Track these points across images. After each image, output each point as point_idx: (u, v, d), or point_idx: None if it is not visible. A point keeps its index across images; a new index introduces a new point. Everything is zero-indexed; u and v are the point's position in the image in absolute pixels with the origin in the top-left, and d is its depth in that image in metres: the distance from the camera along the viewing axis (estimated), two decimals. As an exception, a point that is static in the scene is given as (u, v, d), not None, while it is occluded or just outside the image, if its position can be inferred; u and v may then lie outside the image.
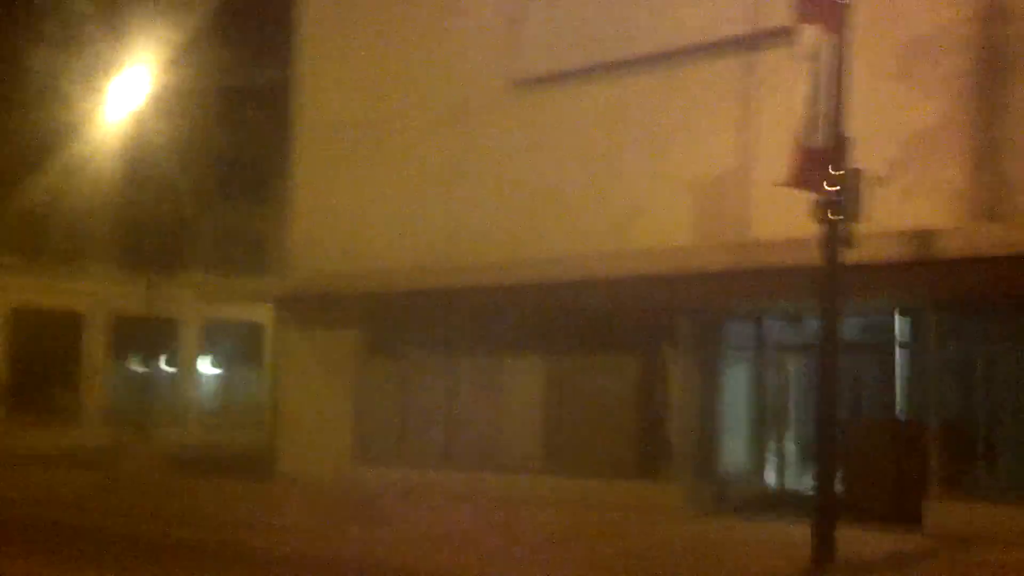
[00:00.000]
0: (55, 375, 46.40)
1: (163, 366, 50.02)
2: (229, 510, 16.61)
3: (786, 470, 18.56)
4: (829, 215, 12.09)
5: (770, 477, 18.47)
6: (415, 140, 20.40)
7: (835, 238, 12.04)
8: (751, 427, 18.38)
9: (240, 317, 50.64)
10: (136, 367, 49.35)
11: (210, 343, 50.54)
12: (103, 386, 47.45)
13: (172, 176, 43.49)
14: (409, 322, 20.28)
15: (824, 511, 11.77)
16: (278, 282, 21.74)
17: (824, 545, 11.68)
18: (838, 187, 12.09)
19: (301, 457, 20.81)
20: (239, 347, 51.62)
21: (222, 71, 47.74)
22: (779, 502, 17.39)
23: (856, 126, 12.46)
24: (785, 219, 14.87)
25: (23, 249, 43.25)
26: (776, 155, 15.50)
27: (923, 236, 13.94)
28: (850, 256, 12.19)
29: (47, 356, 45.60)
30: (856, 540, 12.65)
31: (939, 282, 14.35)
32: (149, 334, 47.97)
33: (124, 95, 37.91)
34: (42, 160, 44.65)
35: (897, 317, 16.73)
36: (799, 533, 12.12)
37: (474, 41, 19.55)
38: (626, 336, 18.09)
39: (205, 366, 50.93)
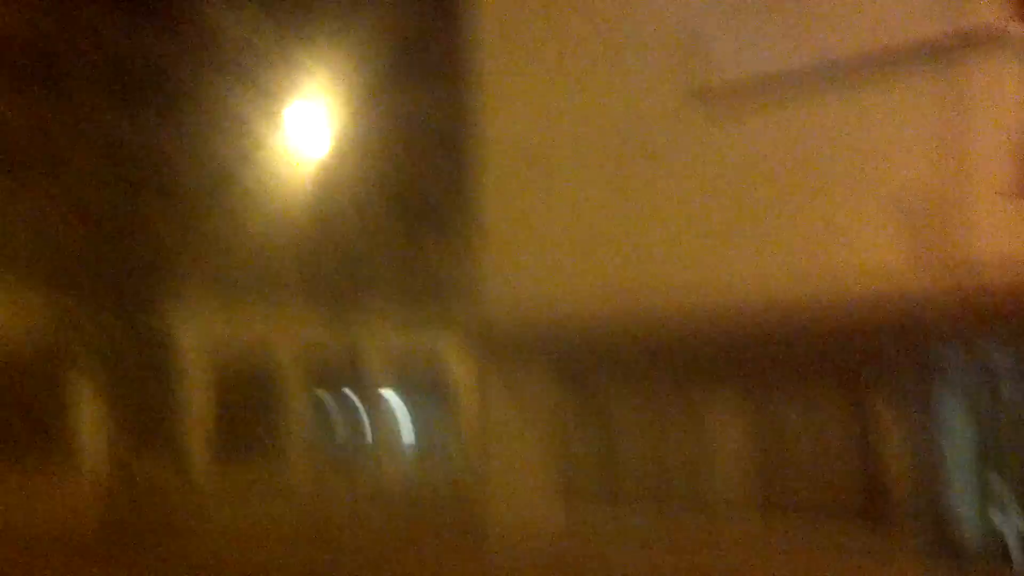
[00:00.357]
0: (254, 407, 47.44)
1: (350, 397, 50.71)
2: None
3: (1011, 509, 16.92)
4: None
5: (996, 517, 16.86)
6: (597, 168, 19.65)
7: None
8: (973, 463, 16.82)
9: (423, 348, 50.89)
10: (323, 398, 50.10)
11: (395, 375, 50.90)
12: (299, 419, 48.23)
13: (355, 212, 43.99)
14: (607, 356, 19.60)
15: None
16: (469, 318, 21.49)
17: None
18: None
19: (508, 497, 20.32)
20: (423, 380, 51.82)
21: (398, 108, 48.27)
22: (1005, 544, 15.83)
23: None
24: (1004, 235, 13.59)
25: (213, 282, 44.35)
26: (990, 165, 14.21)
27: None
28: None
29: (242, 388, 46.67)
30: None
31: None
32: (335, 366, 48.69)
33: (304, 133, 38.60)
34: (227, 192, 45.78)
35: None
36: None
37: (654, 59, 18.68)
38: (832, 366, 16.90)
39: (392, 397, 51.36)
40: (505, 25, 21.16)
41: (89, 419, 42.37)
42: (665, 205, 18.62)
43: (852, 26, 16.39)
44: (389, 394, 51.27)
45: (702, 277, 17.59)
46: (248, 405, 47.24)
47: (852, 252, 16.10)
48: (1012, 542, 15.69)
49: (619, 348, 19.18)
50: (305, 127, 37.64)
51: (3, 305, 37.71)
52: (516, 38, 21.01)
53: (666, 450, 18.76)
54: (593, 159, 19.62)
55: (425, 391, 52.19)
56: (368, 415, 48.94)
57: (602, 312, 18.48)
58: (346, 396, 40.33)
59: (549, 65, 20.30)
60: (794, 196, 17.07)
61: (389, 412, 51.61)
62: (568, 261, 19.72)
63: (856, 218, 16.31)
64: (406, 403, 52.33)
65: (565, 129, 20.01)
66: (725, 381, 18.28)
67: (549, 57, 20.31)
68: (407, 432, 51.26)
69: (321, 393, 49.85)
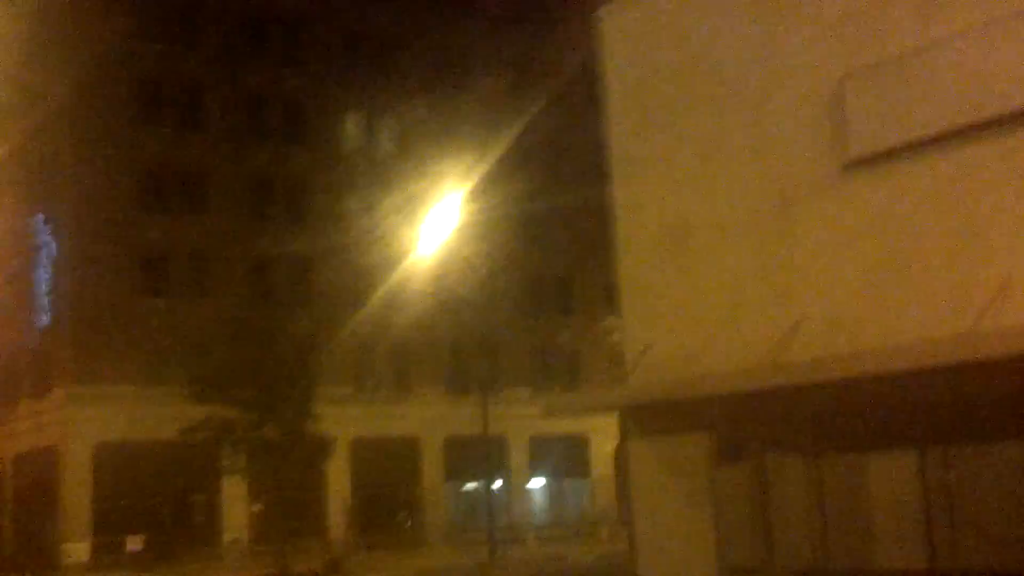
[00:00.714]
0: (396, 499, 48.13)
1: (491, 483, 50.90)
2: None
3: None
4: None
5: None
6: (735, 235, 19.64)
7: None
8: None
9: (563, 430, 51.11)
10: (469, 486, 50.51)
11: (536, 457, 51.15)
12: (441, 506, 48.76)
13: (487, 298, 44.65)
14: (761, 422, 19.29)
15: None
16: (620, 392, 21.26)
17: None
18: None
19: (661, 570, 20.03)
20: (564, 460, 51.97)
21: (525, 194, 49.19)
22: None
23: None
24: None
25: (356, 380, 45.51)
26: None
27: None
28: None
29: (388, 481, 47.41)
30: None
31: None
32: (478, 453, 49.09)
33: (436, 226, 39.56)
34: (365, 294, 47.15)
35: None
36: None
37: (796, 125, 18.71)
38: (1010, 422, 16.46)
39: (533, 480, 51.48)
40: (642, 100, 21.46)
41: (242, 516, 43.63)
42: (811, 273, 18.50)
43: (1004, 81, 16.24)
44: (530, 475, 51.49)
45: (856, 335, 17.36)
46: (392, 496, 48.09)
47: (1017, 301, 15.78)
48: None
49: (774, 413, 18.94)
50: (441, 230, 38.67)
51: (167, 419, 39.43)
52: (653, 111, 21.27)
53: (826, 518, 18.29)
54: (735, 229, 19.65)
55: (561, 470, 52.28)
56: (511, 497, 49.19)
57: (754, 381, 18.31)
58: (488, 484, 40.36)
59: (687, 136, 20.51)
60: (949, 255, 16.82)
61: (531, 492, 51.76)
62: (712, 332, 19.66)
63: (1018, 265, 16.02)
64: (551, 486, 52.44)
65: (706, 200, 20.13)
66: (890, 443, 17.87)
67: (686, 130, 20.53)
68: (547, 510, 51.29)
69: (463, 482, 50.40)
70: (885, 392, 17.39)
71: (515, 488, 49.70)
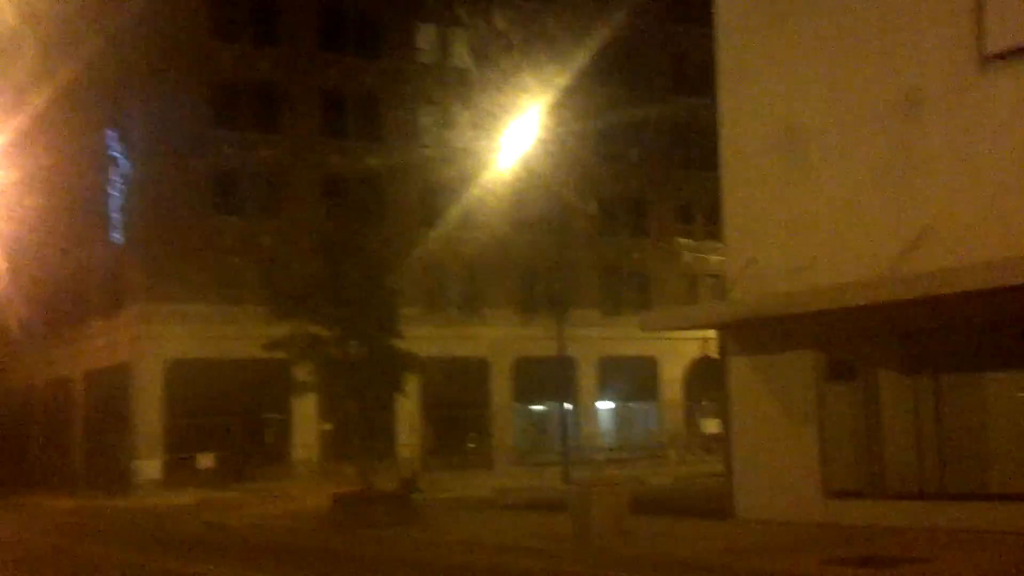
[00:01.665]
0: (465, 420, 47.59)
1: (564, 405, 50.15)
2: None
3: None
4: None
5: None
6: (856, 140, 18.32)
7: None
8: None
9: (632, 353, 50.14)
10: (537, 407, 49.85)
11: (604, 379, 50.29)
12: (509, 428, 48.17)
13: (560, 217, 43.43)
14: (873, 339, 18.13)
15: None
16: (722, 307, 20.13)
17: None
18: None
19: (761, 493, 19.06)
20: (632, 383, 51.07)
21: (603, 110, 47.77)
22: None
23: None
24: None
25: (427, 300, 44.71)
26: None
27: None
28: None
29: (457, 402, 46.84)
30: None
31: None
32: (548, 375, 48.28)
33: (512, 143, 38.32)
34: (438, 212, 46.22)
35: None
36: None
37: (928, 18, 17.23)
38: None
39: (601, 403, 50.69)
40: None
41: (312, 435, 43.40)
42: (937, 177, 17.17)
43: None
44: (599, 397, 50.74)
45: (982, 252, 16.05)
46: (461, 417, 47.60)
47: None
48: None
49: (888, 329, 17.76)
50: (517, 146, 37.43)
51: (239, 337, 39.03)
52: (766, 12, 19.84)
53: (940, 440, 17.12)
54: (851, 134, 18.33)
55: (631, 392, 51.45)
56: (580, 419, 48.47)
57: (866, 296, 17.09)
58: (561, 406, 39.51)
59: (804, 35, 19.09)
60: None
61: (599, 414, 51.03)
62: (823, 245, 18.44)
63: None
64: (619, 409, 51.64)
65: (824, 103, 18.77)
66: (1008, 360, 16.61)
67: (804, 26, 19.10)
68: (619, 436, 50.57)
69: (532, 404, 49.77)
70: (1008, 307, 16.17)
71: (583, 410, 48.89)
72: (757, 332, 19.28)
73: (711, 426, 49.49)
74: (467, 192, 44.55)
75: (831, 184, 18.65)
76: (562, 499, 25.49)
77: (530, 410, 49.62)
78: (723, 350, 20.33)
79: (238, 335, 40.60)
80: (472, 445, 47.40)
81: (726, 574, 13.92)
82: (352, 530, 21.07)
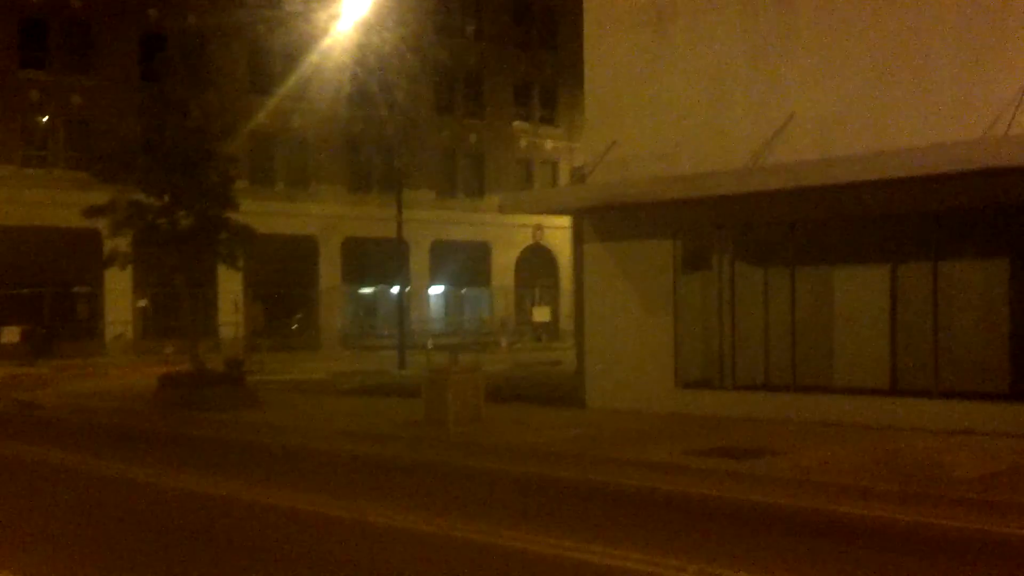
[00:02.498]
0: (292, 301, 46.41)
1: (398, 288, 49.49)
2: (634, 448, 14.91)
3: None
4: None
5: None
6: (726, 21, 17.96)
7: None
8: None
9: (465, 238, 49.77)
10: (366, 290, 49.10)
11: (436, 264, 49.82)
12: (337, 310, 47.29)
13: (393, 93, 42.17)
14: (729, 229, 18.10)
15: None
16: (581, 191, 19.70)
17: None
18: None
19: (613, 383, 19.02)
20: (464, 268, 50.80)
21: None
22: None
23: None
24: None
25: (251, 173, 42.88)
26: None
27: None
28: None
29: (284, 282, 45.53)
30: None
31: None
32: (379, 257, 47.43)
33: (345, 12, 36.66)
34: (269, 80, 44.15)
35: None
36: None
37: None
38: (999, 235, 15.58)
39: (434, 287, 50.29)
40: None
41: (126, 311, 41.64)
42: (806, 65, 17.03)
43: None
44: (433, 286, 50.33)
45: (849, 145, 16.09)
46: (287, 297, 46.43)
47: None
48: None
49: (747, 222, 17.78)
50: (350, 16, 35.75)
51: (52, 204, 36.68)
52: None
53: (798, 330, 17.35)
54: (721, 14, 17.95)
55: (463, 277, 51.26)
56: (410, 306, 47.96)
57: (729, 185, 16.98)
58: (400, 288, 38.88)
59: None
60: (971, 52, 15.51)
61: (430, 303, 50.65)
62: (686, 132, 18.20)
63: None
64: (450, 294, 51.39)
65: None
66: (864, 256, 16.87)
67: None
68: (450, 322, 50.44)
69: (361, 286, 48.96)
70: (870, 201, 16.33)
71: (414, 295, 48.41)
72: (616, 219, 19.00)
73: (542, 314, 49.92)
74: (300, 61, 42.66)
75: (698, 65, 18.27)
76: (403, 384, 25.16)
77: (359, 293, 48.89)
78: (578, 236, 20.03)
79: (46, 201, 38.25)
80: (295, 327, 46.40)
81: (588, 463, 13.74)
82: (182, 412, 20.11)
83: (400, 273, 35.81)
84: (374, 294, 49.31)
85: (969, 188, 15.26)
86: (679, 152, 18.17)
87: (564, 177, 51.10)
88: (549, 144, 52.58)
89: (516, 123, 52.03)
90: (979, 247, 15.99)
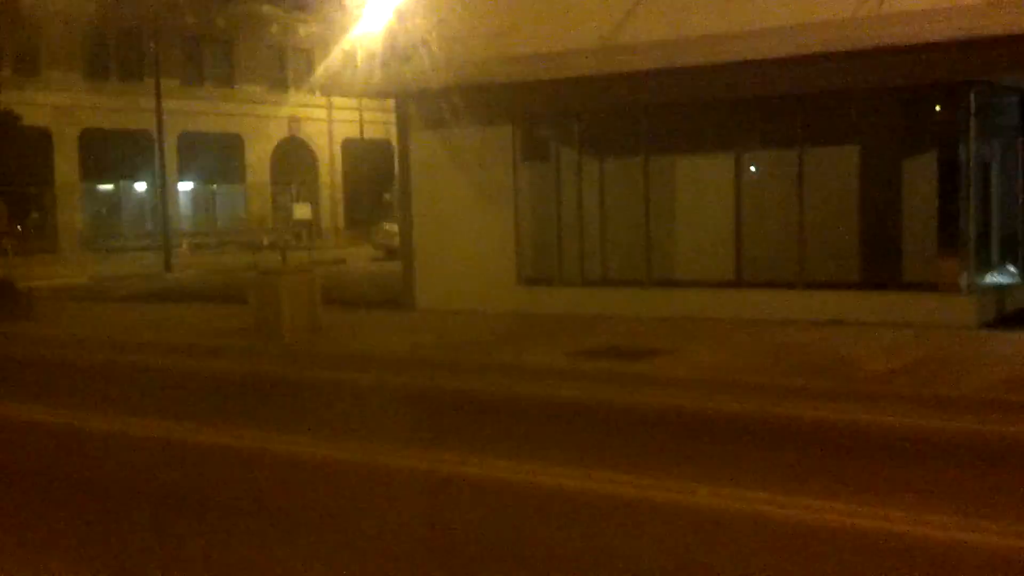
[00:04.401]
0: (25, 199, 42.02)
1: (138, 186, 45.82)
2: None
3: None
4: None
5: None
6: None
7: None
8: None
9: (216, 129, 46.41)
10: (106, 186, 45.14)
11: (185, 158, 46.31)
12: (76, 210, 43.25)
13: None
14: (574, 116, 17.01)
15: None
16: (407, 73, 17.89)
17: None
18: None
19: (445, 282, 17.70)
20: (216, 163, 47.50)
21: None
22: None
23: None
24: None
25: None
26: None
27: None
28: None
29: (15, 179, 41.07)
30: None
31: None
32: (121, 150, 43.63)
33: None
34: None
35: None
36: None
37: None
38: (848, 123, 15.25)
39: (183, 183, 46.79)
40: None
41: None
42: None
43: None
44: (182, 182, 46.76)
45: (698, 26, 15.28)
46: (18, 196, 42.01)
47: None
48: None
49: (591, 107, 16.76)
50: None
51: None
52: None
53: (644, 221, 16.58)
54: None
55: (223, 177, 48.08)
56: (157, 200, 44.45)
57: (572, 67, 15.89)
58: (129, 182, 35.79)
59: None
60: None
61: (180, 201, 47.12)
62: (521, 13, 16.86)
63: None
64: (200, 191, 47.94)
65: None
66: (715, 144, 16.25)
67: None
68: (201, 220, 47.26)
69: (101, 182, 44.87)
70: (722, 86, 15.61)
71: (161, 191, 44.85)
72: (446, 104, 17.47)
73: (302, 211, 47.61)
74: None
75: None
76: (187, 288, 22.91)
77: (98, 190, 44.91)
78: (403, 124, 18.38)
79: None
80: (18, 227, 42.05)
81: (463, 370, 12.48)
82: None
83: (147, 167, 32.86)
84: (115, 191, 45.50)
85: (831, 71, 14.74)
86: (514, 31, 16.79)
87: (319, 67, 48.55)
88: (302, 31, 49.63)
89: (266, 8, 48.71)
90: (839, 133, 15.62)
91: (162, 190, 33.63)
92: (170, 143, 45.05)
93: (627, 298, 16.34)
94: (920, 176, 14.80)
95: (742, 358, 12.26)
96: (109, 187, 45.09)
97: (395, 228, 40.25)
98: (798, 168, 15.37)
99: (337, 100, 49.43)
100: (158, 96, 30.25)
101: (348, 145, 50.30)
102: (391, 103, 20.42)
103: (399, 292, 18.48)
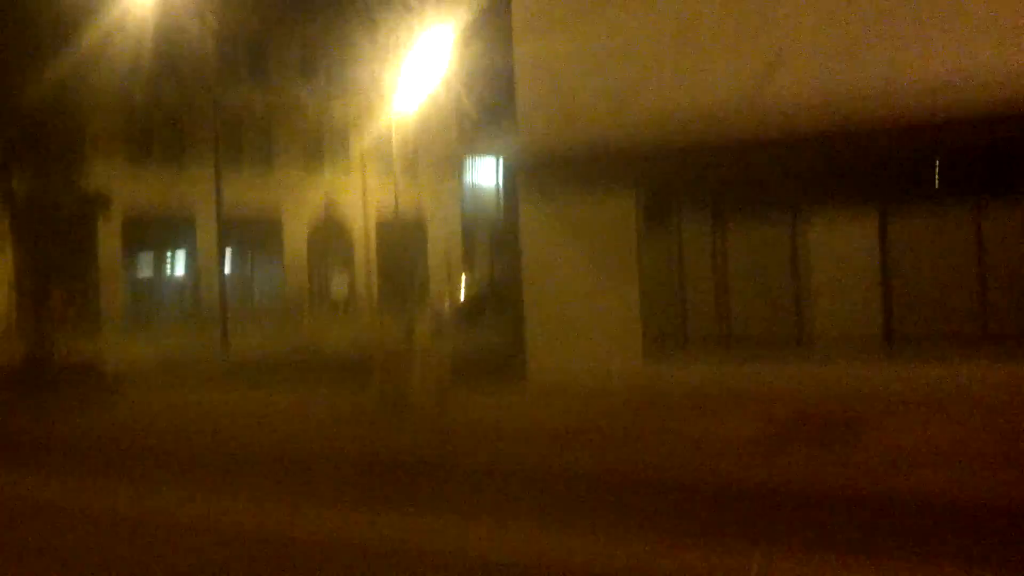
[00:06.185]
0: (68, 281, 40.61)
1: (178, 268, 44.58)
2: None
3: None
4: None
5: None
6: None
7: None
8: None
9: (254, 212, 45.11)
10: (150, 271, 43.84)
11: (225, 239, 44.95)
12: (119, 290, 41.85)
13: (178, 58, 37.59)
14: (701, 182, 15.71)
15: None
16: (516, 141, 16.64)
17: None
18: None
19: (566, 355, 16.20)
20: (254, 243, 46.18)
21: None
22: None
23: None
24: None
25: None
26: None
27: None
28: None
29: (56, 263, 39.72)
30: None
31: None
32: (160, 233, 42.47)
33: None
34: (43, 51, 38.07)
35: None
36: None
37: None
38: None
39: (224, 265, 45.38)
40: None
41: None
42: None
43: None
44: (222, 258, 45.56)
45: (834, 86, 14.12)
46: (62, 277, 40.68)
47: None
48: None
49: (719, 173, 15.49)
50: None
51: None
52: None
53: (760, 283, 15.22)
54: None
55: (262, 257, 46.87)
56: (200, 283, 43.02)
57: (697, 132, 14.69)
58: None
59: None
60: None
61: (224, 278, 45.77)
62: (637, 83, 15.67)
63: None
64: (240, 271, 46.68)
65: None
66: (851, 208, 14.96)
67: None
68: (241, 299, 45.92)
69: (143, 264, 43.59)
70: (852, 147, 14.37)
71: (203, 270, 43.56)
72: (566, 172, 16.15)
73: (339, 289, 46.46)
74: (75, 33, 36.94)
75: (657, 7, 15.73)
76: (272, 367, 21.58)
77: (139, 272, 43.63)
78: (513, 192, 17.07)
79: None
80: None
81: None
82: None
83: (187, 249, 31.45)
84: (152, 271, 44.35)
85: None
86: (637, 94, 15.57)
87: (354, 147, 47.90)
88: (338, 112, 48.75)
89: (304, 91, 47.86)
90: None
91: (221, 268, 32.22)
92: (211, 224, 43.88)
93: (775, 373, 14.78)
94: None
95: (949, 432, 10.80)
96: (146, 268, 43.90)
97: (445, 305, 39.29)
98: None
99: (371, 180, 48.44)
100: (218, 177, 29.03)
101: (383, 224, 49.18)
102: (424, 180, 19.10)
103: (501, 367, 16.99)
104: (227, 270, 45.64)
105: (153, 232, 41.75)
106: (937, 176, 14.36)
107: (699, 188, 15.69)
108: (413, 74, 34.81)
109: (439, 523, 8.22)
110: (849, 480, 9.21)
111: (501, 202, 46.24)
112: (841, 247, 15.01)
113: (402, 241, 48.03)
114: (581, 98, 15.93)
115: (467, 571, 7.01)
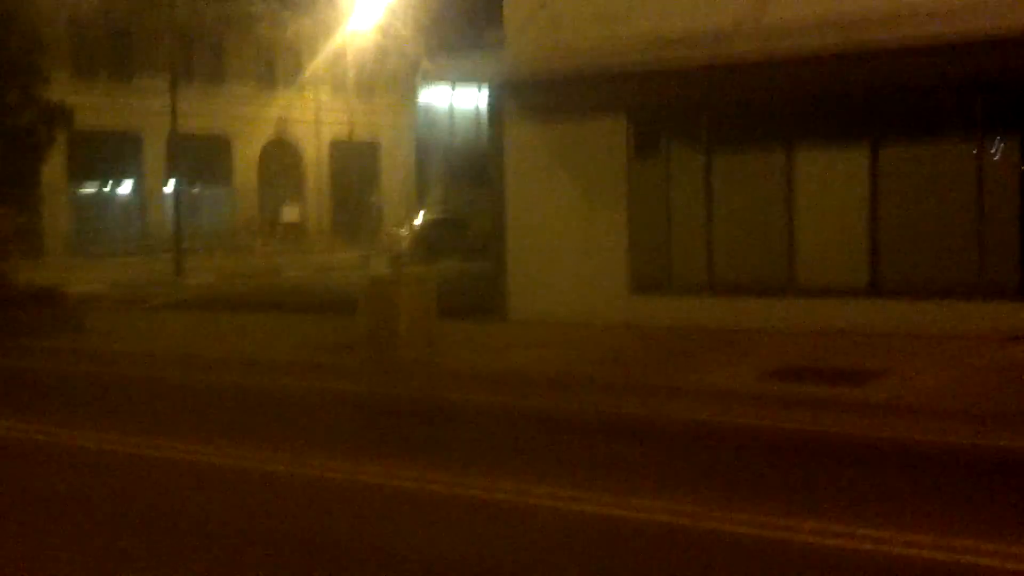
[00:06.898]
0: (9, 200, 38.79)
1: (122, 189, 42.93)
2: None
3: None
4: None
5: None
6: None
7: None
8: None
9: (203, 131, 43.44)
10: (89, 189, 42.10)
11: (172, 160, 43.26)
12: (62, 212, 40.15)
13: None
14: (695, 107, 14.86)
15: None
16: (508, 60, 15.58)
17: None
18: None
19: (545, 290, 15.43)
20: (202, 164, 44.52)
21: None
22: None
23: None
24: None
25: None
26: None
27: None
28: None
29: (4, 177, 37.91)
30: None
31: None
32: (106, 150, 40.76)
33: None
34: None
35: None
36: None
37: None
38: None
39: (168, 186, 43.76)
40: None
41: None
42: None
43: None
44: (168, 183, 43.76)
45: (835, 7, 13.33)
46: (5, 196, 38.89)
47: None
48: None
49: (713, 97, 14.67)
50: None
51: None
52: None
53: (770, 224, 14.51)
54: None
55: (210, 179, 45.22)
56: (145, 205, 41.37)
57: (693, 52, 13.84)
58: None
59: None
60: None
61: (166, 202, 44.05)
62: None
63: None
64: (187, 193, 44.94)
65: None
66: (851, 139, 14.24)
67: None
68: (189, 223, 44.31)
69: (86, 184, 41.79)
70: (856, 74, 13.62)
71: (150, 193, 42.04)
72: (548, 93, 15.22)
73: (291, 214, 45.12)
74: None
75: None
76: (223, 297, 20.52)
77: (83, 192, 41.89)
78: (497, 114, 16.11)
79: None
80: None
81: (623, 394, 10.28)
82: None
83: (133, 169, 30.13)
84: (98, 194, 42.59)
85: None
86: (631, 12, 14.64)
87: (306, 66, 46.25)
88: (291, 31, 46.93)
89: (254, 6, 45.93)
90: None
91: (177, 191, 30.92)
92: (159, 143, 42.24)
93: (762, 308, 14.19)
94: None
95: (968, 382, 10.23)
96: (90, 190, 42.20)
97: (401, 231, 37.99)
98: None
99: (325, 101, 46.90)
100: (174, 96, 27.64)
101: (336, 147, 47.71)
102: (380, 103, 18.08)
103: (485, 300, 16.19)
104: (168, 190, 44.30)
105: (100, 150, 40.03)
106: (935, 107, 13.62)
107: (692, 114, 14.84)
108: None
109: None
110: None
111: (482, 128, 45.17)
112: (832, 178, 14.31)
113: (357, 166, 46.78)
114: (570, 18, 14.95)
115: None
